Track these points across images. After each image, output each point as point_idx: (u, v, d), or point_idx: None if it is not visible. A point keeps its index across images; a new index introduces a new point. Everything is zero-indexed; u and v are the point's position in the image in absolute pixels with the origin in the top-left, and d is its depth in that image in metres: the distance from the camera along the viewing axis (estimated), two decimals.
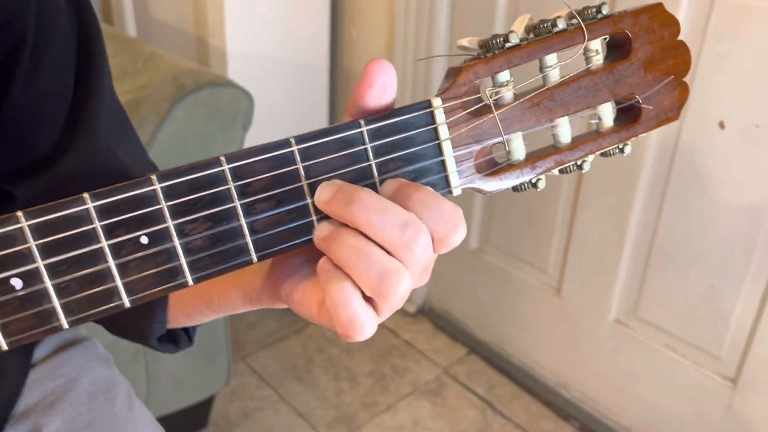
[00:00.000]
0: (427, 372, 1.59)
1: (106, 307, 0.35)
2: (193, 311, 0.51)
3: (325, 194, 0.36)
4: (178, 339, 0.56)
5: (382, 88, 0.37)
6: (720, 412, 1.23)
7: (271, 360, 1.61)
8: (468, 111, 0.40)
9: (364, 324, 0.36)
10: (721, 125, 1.08)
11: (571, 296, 1.42)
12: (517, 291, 1.53)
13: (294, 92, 1.61)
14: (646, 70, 0.43)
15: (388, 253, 0.36)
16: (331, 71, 1.69)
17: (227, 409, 1.48)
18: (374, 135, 0.38)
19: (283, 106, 1.60)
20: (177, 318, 0.53)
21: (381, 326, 0.36)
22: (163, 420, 0.68)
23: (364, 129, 0.37)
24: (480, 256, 1.58)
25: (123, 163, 0.52)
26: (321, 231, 0.37)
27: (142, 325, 0.52)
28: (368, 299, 0.36)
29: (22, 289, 0.34)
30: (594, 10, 0.41)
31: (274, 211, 0.37)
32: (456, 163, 0.40)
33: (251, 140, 1.25)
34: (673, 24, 0.43)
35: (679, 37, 0.44)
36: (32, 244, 0.33)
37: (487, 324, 1.63)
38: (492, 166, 0.42)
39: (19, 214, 0.33)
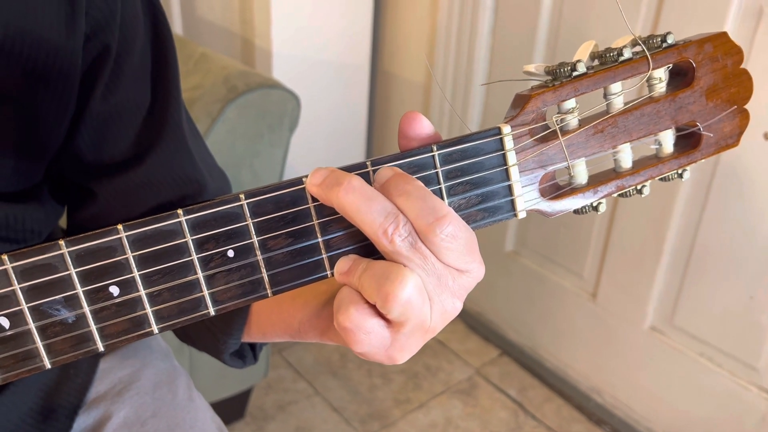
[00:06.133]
0: (459, 372, 1.61)
1: (193, 315, 0.38)
2: (271, 330, 0.53)
3: (317, 178, 0.37)
4: (245, 356, 0.59)
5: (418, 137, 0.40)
6: (755, 423, 1.22)
7: (307, 354, 1.65)
8: (535, 137, 0.41)
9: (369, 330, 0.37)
10: (766, 136, 1.07)
11: (606, 302, 1.43)
12: (552, 295, 1.54)
13: (335, 93, 1.64)
14: (708, 97, 0.44)
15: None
16: (372, 73, 1.71)
17: (263, 401, 1.51)
18: (445, 159, 0.40)
19: (324, 106, 1.63)
20: (252, 335, 0.55)
21: None
22: None
23: (435, 153, 0.39)
24: (515, 258, 1.60)
25: (198, 170, 0.54)
26: (340, 266, 0.39)
27: (219, 340, 0.55)
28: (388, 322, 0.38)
29: (119, 296, 0.37)
30: (659, 39, 0.42)
31: (348, 230, 0.39)
32: (522, 187, 0.42)
33: (295, 140, 1.28)
34: (737, 53, 0.44)
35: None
36: (130, 255, 0.36)
37: (520, 326, 1.64)
38: (555, 190, 0.43)
39: (119, 226, 0.35)
